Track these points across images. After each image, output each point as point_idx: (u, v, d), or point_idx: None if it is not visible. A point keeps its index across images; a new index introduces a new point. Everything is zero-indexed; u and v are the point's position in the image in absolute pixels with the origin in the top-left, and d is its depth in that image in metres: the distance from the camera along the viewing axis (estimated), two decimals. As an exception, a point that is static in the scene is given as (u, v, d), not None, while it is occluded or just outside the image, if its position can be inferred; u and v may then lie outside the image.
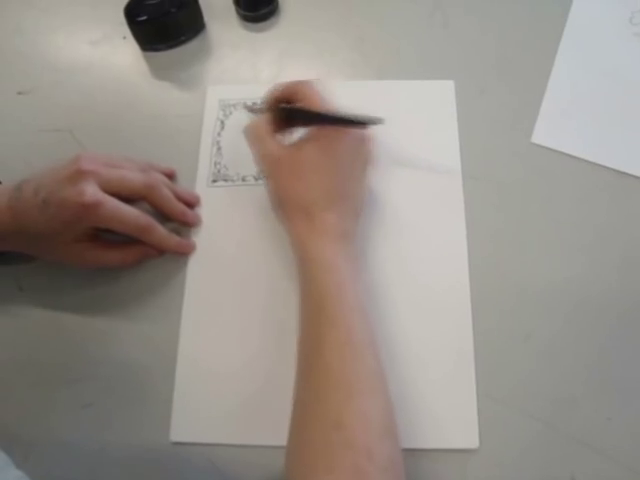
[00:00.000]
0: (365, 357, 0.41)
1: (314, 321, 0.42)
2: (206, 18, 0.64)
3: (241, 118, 0.57)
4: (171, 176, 0.55)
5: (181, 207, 0.52)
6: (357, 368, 0.40)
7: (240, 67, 0.62)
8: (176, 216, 0.52)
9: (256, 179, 0.54)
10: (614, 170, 0.54)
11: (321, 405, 0.39)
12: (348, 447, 0.36)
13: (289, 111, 0.49)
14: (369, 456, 0.36)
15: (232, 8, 0.64)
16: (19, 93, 0.61)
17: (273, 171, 0.48)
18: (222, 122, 0.58)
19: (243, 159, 0.55)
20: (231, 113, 0.58)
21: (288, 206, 0.47)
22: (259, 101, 0.51)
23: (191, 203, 0.53)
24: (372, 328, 0.43)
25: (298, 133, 0.50)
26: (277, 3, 0.64)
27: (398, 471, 0.38)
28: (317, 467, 0.37)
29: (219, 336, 0.49)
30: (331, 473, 0.36)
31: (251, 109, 0.54)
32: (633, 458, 0.44)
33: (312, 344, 0.42)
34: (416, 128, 0.57)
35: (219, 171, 0.55)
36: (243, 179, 0.55)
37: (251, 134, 0.49)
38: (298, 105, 0.48)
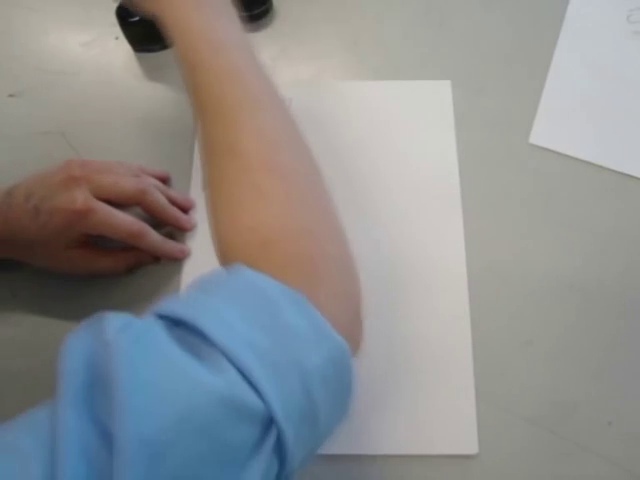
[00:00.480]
0: (249, 80, 0.40)
1: (193, 75, 0.41)
2: (199, 18, 0.63)
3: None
4: (165, 180, 0.54)
5: (175, 212, 0.51)
6: (241, 92, 0.40)
7: (234, 68, 0.61)
8: (170, 221, 0.51)
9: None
10: (613, 171, 0.53)
11: (214, 137, 0.39)
12: (245, 170, 0.36)
13: None
14: (268, 170, 0.36)
15: (226, 8, 0.63)
16: (10, 95, 0.61)
17: None
18: (216, 124, 0.57)
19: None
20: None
21: None
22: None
23: (185, 207, 0.53)
24: (258, 61, 0.42)
25: None
26: (271, 3, 0.63)
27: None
28: (221, 190, 0.37)
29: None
30: (232, 195, 0.37)
31: None
32: (635, 462, 0.44)
33: (196, 79, 0.41)
34: (413, 128, 0.56)
35: (214, 174, 0.54)
36: (238, 182, 0.54)
37: None
38: None
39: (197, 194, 0.54)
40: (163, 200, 0.50)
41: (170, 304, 0.31)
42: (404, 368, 0.46)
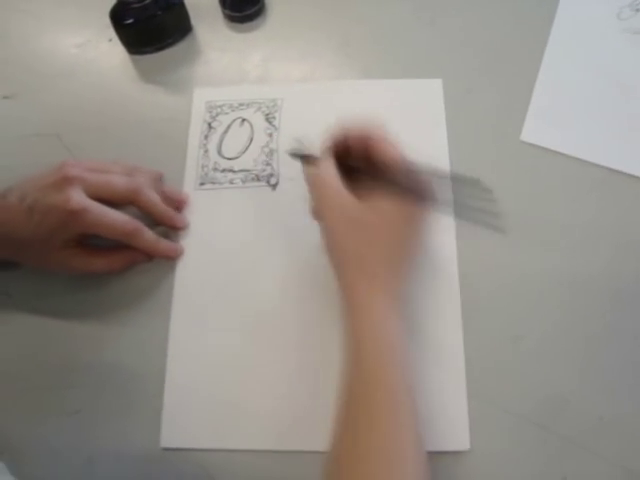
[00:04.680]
0: (412, 426, 0.40)
1: (364, 379, 0.41)
2: (193, 20, 0.63)
3: (229, 118, 0.57)
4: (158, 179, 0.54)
5: (169, 211, 0.51)
6: (407, 437, 0.39)
7: (227, 68, 0.61)
8: (163, 220, 0.51)
9: (243, 182, 0.54)
10: (604, 167, 0.53)
11: (367, 466, 0.37)
12: None
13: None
14: None
15: (218, 9, 0.64)
16: (4, 97, 0.61)
17: (339, 224, 0.44)
18: (209, 124, 0.57)
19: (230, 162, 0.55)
20: (218, 115, 0.58)
21: (346, 260, 0.44)
22: (310, 144, 0.47)
23: (180, 203, 0.53)
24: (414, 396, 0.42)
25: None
26: (263, 3, 0.64)
27: None
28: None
29: (208, 340, 0.49)
30: None
31: (294, 154, 0.49)
32: (625, 457, 0.44)
33: (361, 405, 0.40)
34: (404, 127, 0.55)
35: (206, 174, 0.55)
36: (231, 182, 0.54)
37: (319, 183, 0.45)
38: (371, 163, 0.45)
39: (190, 193, 0.54)
40: (157, 199, 0.50)
41: None
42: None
